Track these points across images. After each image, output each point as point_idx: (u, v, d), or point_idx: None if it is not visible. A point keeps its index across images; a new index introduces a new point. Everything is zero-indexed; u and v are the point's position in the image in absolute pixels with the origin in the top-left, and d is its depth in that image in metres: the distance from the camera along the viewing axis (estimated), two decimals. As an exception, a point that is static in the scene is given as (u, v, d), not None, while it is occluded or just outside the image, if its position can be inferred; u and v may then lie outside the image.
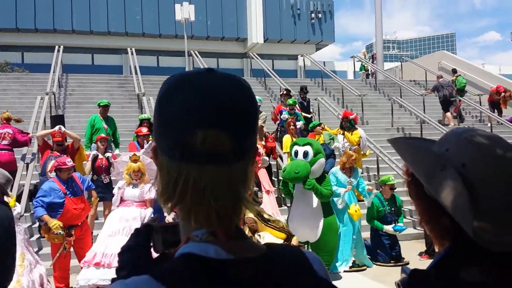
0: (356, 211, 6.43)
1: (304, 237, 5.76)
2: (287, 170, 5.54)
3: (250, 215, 5.49)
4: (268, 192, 7.48)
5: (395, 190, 7.22)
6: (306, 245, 5.92)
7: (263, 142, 8.73)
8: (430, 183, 1.00)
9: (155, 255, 0.92)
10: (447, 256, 1.01)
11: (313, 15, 26.81)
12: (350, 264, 6.50)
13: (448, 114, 13.87)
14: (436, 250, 1.10)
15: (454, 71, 16.52)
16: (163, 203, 0.78)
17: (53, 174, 6.80)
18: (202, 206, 0.74)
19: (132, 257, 0.92)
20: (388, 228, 6.87)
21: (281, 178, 8.90)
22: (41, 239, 7.12)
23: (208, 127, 0.73)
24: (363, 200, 7.53)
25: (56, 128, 7.32)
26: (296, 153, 5.76)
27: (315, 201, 5.67)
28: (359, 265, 6.60)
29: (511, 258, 0.94)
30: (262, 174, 7.18)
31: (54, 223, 5.51)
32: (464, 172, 0.97)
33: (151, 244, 0.94)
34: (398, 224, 6.99)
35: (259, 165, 7.07)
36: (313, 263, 0.83)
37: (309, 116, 11.19)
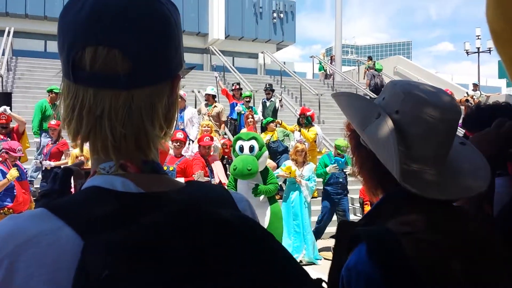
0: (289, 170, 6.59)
1: None
2: (239, 168, 5.40)
3: None
4: (224, 184, 7.41)
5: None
6: None
7: (219, 139, 8.62)
8: (365, 131, 0.98)
9: None
10: (378, 206, 0.99)
11: (275, 14, 26.92)
12: (300, 258, 6.54)
13: None
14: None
15: (369, 58, 18.67)
16: (65, 127, 0.69)
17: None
18: (99, 133, 0.66)
19: (46, 203, 0.83)
20: (329, 167, 7.04)
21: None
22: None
23: (97, 44, 0.64)
24: (315, 197, 7.64)
25: (1, 109, 6.98)
26: (241, 148, 5.59)
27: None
28: (307, 262, 6.63)
29: (443, 209, 0.93)
30: (218, 166, 7.09)
31: (12, 172, 5.41)
32: (398, 119, 0.96)
33: (71, 189, 0.85)
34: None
35: (211, 153, 6.95)
36: (238, 202, 0.75)
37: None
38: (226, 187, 6.27)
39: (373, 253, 0.84)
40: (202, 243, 0.60)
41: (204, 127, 8.12)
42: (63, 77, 0.69)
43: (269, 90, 11.30)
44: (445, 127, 0.95)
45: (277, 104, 11.06)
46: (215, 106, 9.79)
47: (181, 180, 6.16)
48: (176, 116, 0.75)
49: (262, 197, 5.60)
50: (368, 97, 1.19)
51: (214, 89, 10.39)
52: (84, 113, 0.66)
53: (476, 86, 16.24)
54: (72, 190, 0.86)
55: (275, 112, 10.86)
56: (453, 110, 0.96)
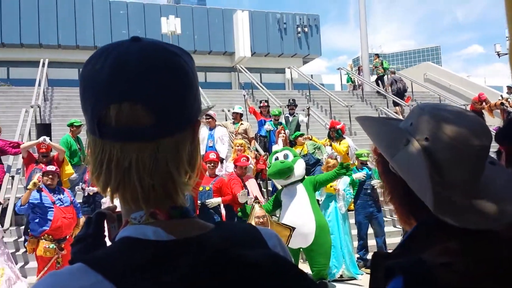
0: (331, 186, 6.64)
1: (296, 244, 5.70)
2: (272, 164, 5.53)
3: (257, 209, 5.44)
4: (261, 202, 7.43)
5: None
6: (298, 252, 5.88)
7: (252, 156, 8.67)
8: (394, 159, 0.96)
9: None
10: (412, 236, 0.96)
11: (299, 29, 27.06)
12: (340, 273, 6.46)
13: (398, 108, 15.68)
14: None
15: (377, 55, 19.15)
16: (94, 181, 0.73)
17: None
18: (128, 185, 0.69)
19: (82, 248, 0.87)
20: (357, 174, 7.05)
21: (270, 189, 8.94)
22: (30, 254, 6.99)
23: (121, 100, 0.67)
24: (352, 210, 7.57)
25: (41, 139, 7.21)
26: (277, 158, 5.79)
27: (305, 206, 5.60)
28: (347, 276, 6.54)
29: (476, 236, 0.90)
30: (252, 184, 7.12)
31: (33, 180, 5.60)
32: (427, 146, 0.94)
33: (105, 232, 0.88)
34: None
35: (247, 173, 7.01)
36: (267, 239, 0.77)
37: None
38: (262, 204, 6.33)
39: (410, 287, 0.83)
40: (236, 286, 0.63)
41: (237, 146, 8.20)
42: (88, 132, 0.72)
43: (292, 105, 11.30)
44: (477, 152, 0.93)
45: (300, 119, 11.07)
46: (241, 123, 9.92)
47: (218, 199, 6.24)
48: (199, 160, 0.78)
49: (306, 208, 5.55)
50: (394, 119, 1.17)
51: (242, 108, 10.52)
52: (113, 167, 0.69)
53: (510, 89, 15.78)
54: (106, 233, 0.90)
55: (298, 127, 10.86)
56: (484, 134, 0.94)
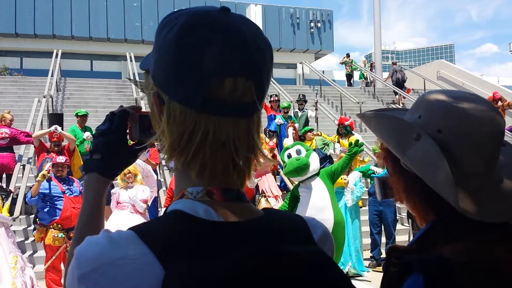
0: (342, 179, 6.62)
1: None
2: (288, 163, 5.33)
3: (263, 203, 5.34)
4: (276, 197, 7.35)
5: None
6: None
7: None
8: (406, 155, 0.92)
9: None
10: (429, 231, 0.92)
11: (312, 24, 26.93)
12: (346, 270, 6.44)
13: (397, 97, 16.45)
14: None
15: (347, 55, 19.91)
16: (170, 157, 0.70)
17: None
18: (221, 159, 0.68)
19: (104, 141, 0.87)
20: (375, 168, 7.23)
21: (278, 183, 8.90)
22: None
23: (238, 75, 0.66)
24: (361, 207, 7.54)
25: (52, 128, 7.28)
26: (289, 155, 5.60)
27: (325, 200, 5.46)
28: (353, 274, 6.51)
29: (493, 231, 0.87)
30: (270, 179, 7.04)
31: (42, 172, 5.70)
32: (441, 139, 0.89)
33: (126, 130, 0.88)
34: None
35: (265, 168, 6.96)
36: (313, 231, 0.76)
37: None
38: (279, 197, 6.25)
39: (431, 285, 0.80)
40: (278, 284, 0.63)
41: None
42: (176, 102, 0.68)
43: (302, 101, 11.32)
44: (493, 140, 0.90)
45: (309, 114, 11.05)
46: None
47: None
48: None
49: (324, 202, 5.47)
50: (398, 110, 1.13)
51: None
52: (208, 141, 0.67)
53: (524, 88, 15.59)
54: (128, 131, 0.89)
55: (307, 122, 10.85)
56: (497, 119, 0.91)
